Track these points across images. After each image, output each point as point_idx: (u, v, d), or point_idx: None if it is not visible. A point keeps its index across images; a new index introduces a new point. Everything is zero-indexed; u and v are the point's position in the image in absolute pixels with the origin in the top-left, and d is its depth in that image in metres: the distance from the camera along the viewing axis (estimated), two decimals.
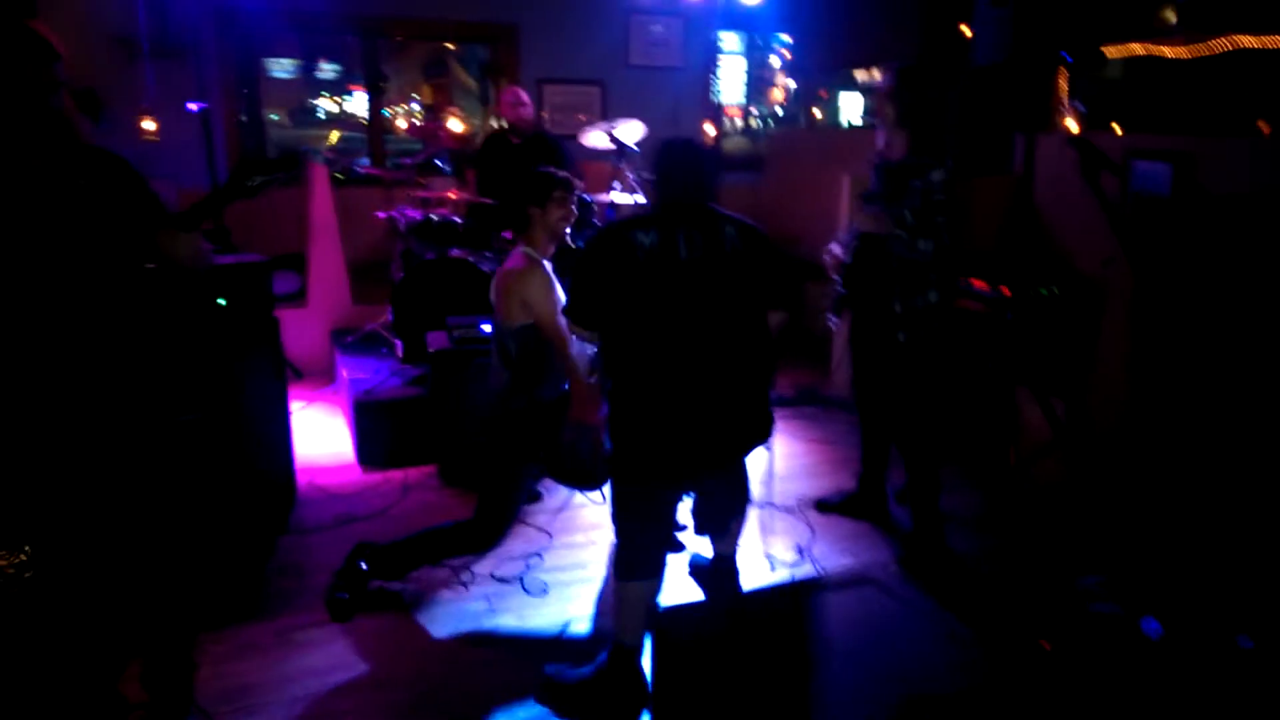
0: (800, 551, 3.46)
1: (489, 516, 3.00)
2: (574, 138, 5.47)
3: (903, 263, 3.23)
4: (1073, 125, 4.37)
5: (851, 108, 12.09)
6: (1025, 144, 3.54)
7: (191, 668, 2.50)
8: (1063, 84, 5.08)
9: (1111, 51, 4.43)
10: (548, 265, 3.03)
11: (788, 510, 3.82)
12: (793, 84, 12.45)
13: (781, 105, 12.70)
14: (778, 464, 4.33)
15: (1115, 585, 2.89)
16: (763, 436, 2.69)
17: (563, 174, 3.08)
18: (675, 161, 2.59)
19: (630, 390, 2.52)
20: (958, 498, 3.74)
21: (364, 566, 3.01)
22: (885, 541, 3.57)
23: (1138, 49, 4.50)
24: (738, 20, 7.96)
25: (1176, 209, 4.13)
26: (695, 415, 2.50)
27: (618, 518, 2.65)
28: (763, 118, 12.10)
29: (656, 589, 2.63)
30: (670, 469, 2.56)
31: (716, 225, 2.51)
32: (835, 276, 3.53)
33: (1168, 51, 4.50)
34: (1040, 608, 2.97)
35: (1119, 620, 2.64)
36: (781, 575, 3.29)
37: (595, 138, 5.26)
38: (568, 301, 2.63)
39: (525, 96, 5.36)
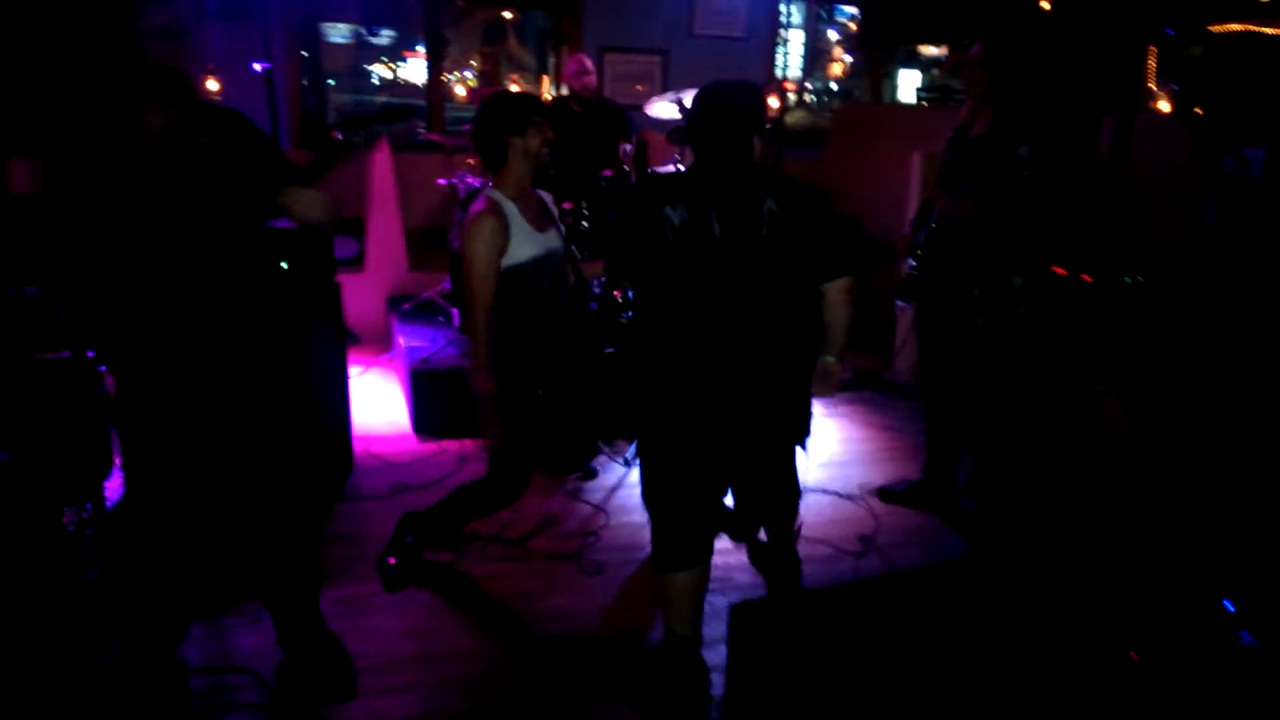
0: (864, 542, 3.36)
1: (498, 468, 2.90)
2: (639, 108, 5.35)
3: (985, 245, 3.08)
4: (1165, 106, 4.15)
5: (909, 85, 11.77)
6: (1116, 124, 3.37)
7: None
8: (1152, 63, 4.83)
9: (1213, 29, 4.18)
10: (511, 208, 2.74)
11: (849, 497, 3.71)
12: (849, 58, 12.14)
13: (839, 80, 12.39)
14: (837, 449, 4.23)
15: (1203, 593, 2.75)
16: (798, 434, 2.53)
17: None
18: (712, 113, 2.31)
19: (657, 366, 2.40)
20: (1029, 494, 3.60)
21: (410, 540, 2.98)
22: (953, 535, 3.45)
23: (1235, 27, 4.24)
24: None
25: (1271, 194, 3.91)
26: (721, 400, 2.36)
27: (647, 502, 2.54)
28: (817, 93, 11.82)
29: (700, 580, 2.47)
30: (692, 452, 2.41)
31: (755, 199, 2.26)
32: (908, 259, 3.39)
33: (1269, 30, 4.23)
34: (1123, 615, 2.84)
35: (1209, 630, 2.50)
36: (844, 565, 3.19)
37: (661, 108, 5.13)
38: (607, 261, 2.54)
39: (590, 64, 5.26)
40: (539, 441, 2.95)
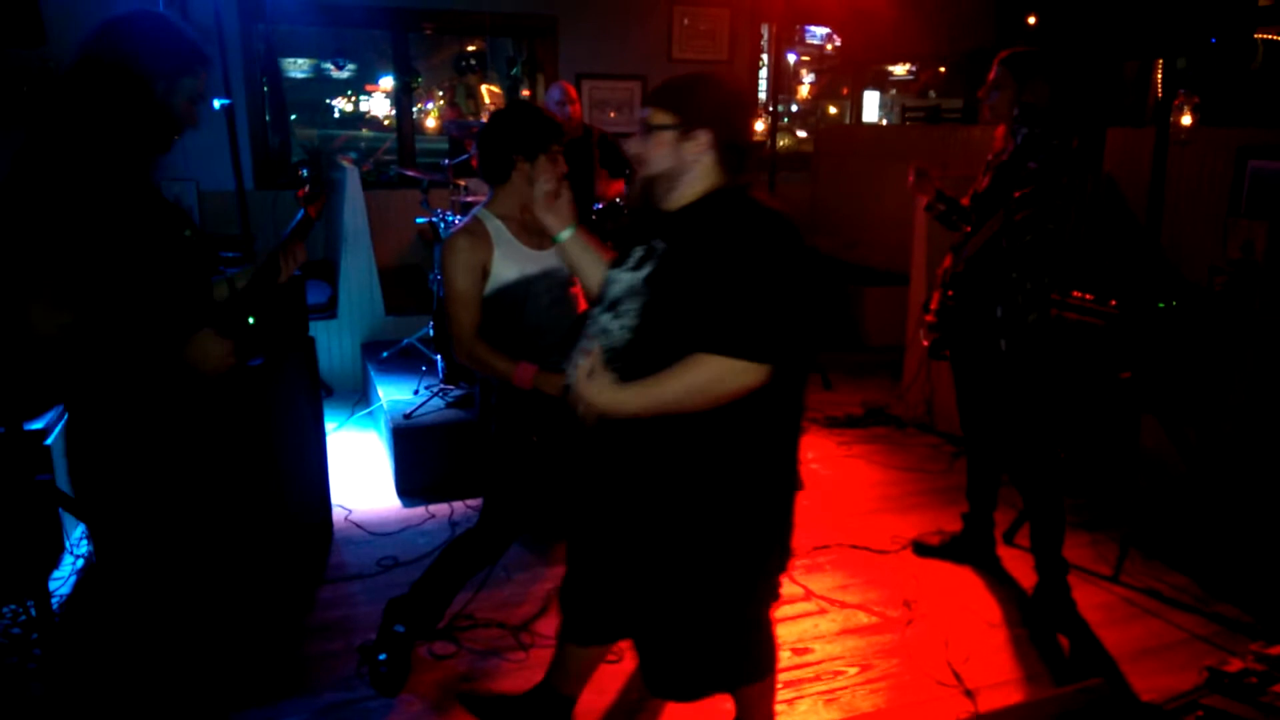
0: (908, 606, 3.04)
1: (489, 515, 2.56)
2: (630, 135, 5.07)
3: (1006, 264, 2.85)
4: (1186, 119, 3.94)
5: (871, 106, 11.72)
6: (1157, 139, 3.15)
7: None
8: (1159, 75, 4.64)
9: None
10: (497, 225, 2.46)
11: (883, 551, 3.40)
12: (810, 80, 12.10)
13: (803, 102, 12.33)
14: (862, 496, 3.92)
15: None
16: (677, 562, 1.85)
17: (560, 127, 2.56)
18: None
19: None
20: (1076, 538, 3.32)
21: (400, 629, 2.62)
22: (1000, 591, 3.14)
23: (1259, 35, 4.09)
24: (787, 12, 7.55)
25: None
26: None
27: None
28: (772, 115, 11.75)
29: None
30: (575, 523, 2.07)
31: (647, 235, 1.82)
32: (945, 291, 3.12)
33: None
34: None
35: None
36: (893, 635, 2.87)
37: None
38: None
39: (574, 93, 4.97)
40: (534, 489, 2.55)
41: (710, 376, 1.66)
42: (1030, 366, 2.90)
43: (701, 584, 1.85)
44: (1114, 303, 3.79)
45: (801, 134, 11.24)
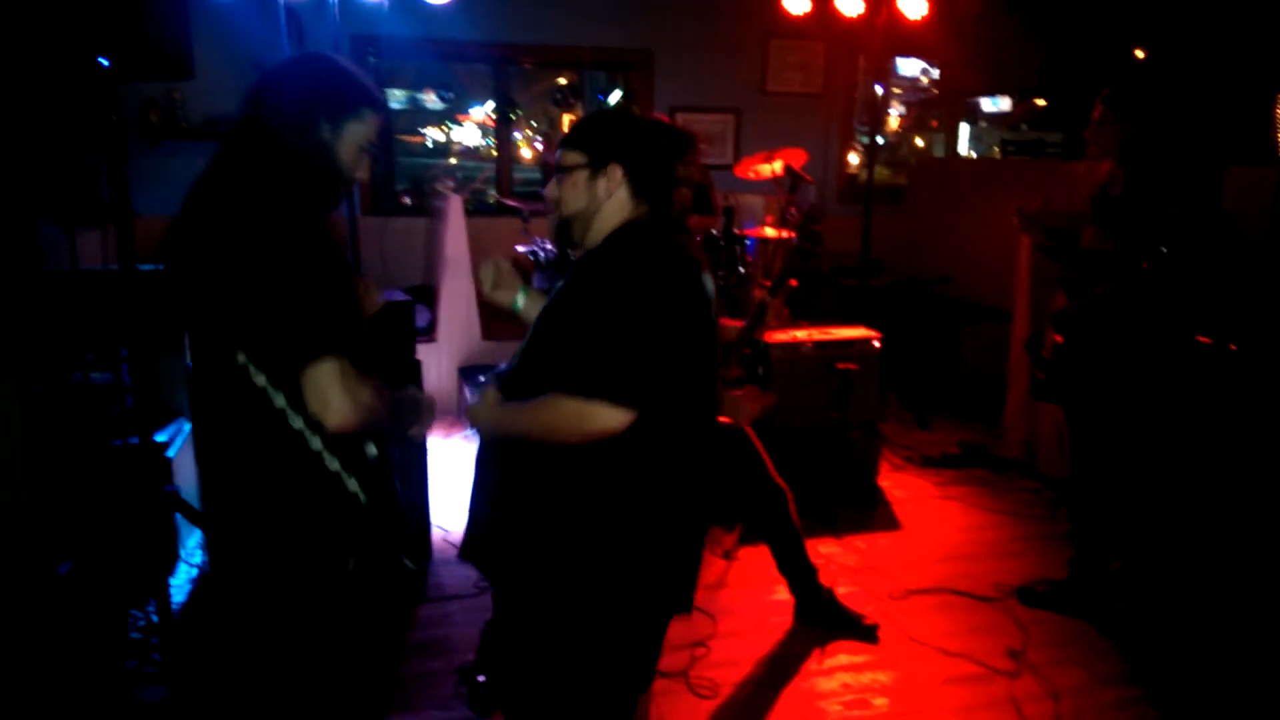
0: (1013, 656, 2.94)
1: None
2: (725, 168, 5.12)
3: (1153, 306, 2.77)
4: None
5: (961, 140, 11.55)
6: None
7: None
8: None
9: None
10: None
11: (986, 599, 3.30)
12: (901, 112, 11.98)
13: (895, 134, 12.20)
14: (960, 540, 3.82)
15: None
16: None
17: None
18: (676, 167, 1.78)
19: None
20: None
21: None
22: (1109, 643, 3.01)
23: None
24: (876, 44, 7.52)
25: None
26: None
27: None
28: (870, 149, 11.64)
29: None
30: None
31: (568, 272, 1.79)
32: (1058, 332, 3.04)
33: None
34: None
35: None
36: (998, 689, 2.77)
37: (752, 167, 4.88)
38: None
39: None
40: None
41: (561, 416, 1.60)
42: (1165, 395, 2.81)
43: (558, 637, 1.73)
44: (1234, 347, 3.63)
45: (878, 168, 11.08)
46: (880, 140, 11.63)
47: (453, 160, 10.47)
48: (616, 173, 1.72)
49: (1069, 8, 6.71)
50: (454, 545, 3.65)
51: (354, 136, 1.77)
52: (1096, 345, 2.86)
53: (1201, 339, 3.77)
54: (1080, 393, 3.03)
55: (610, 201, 1.74)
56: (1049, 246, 3.16)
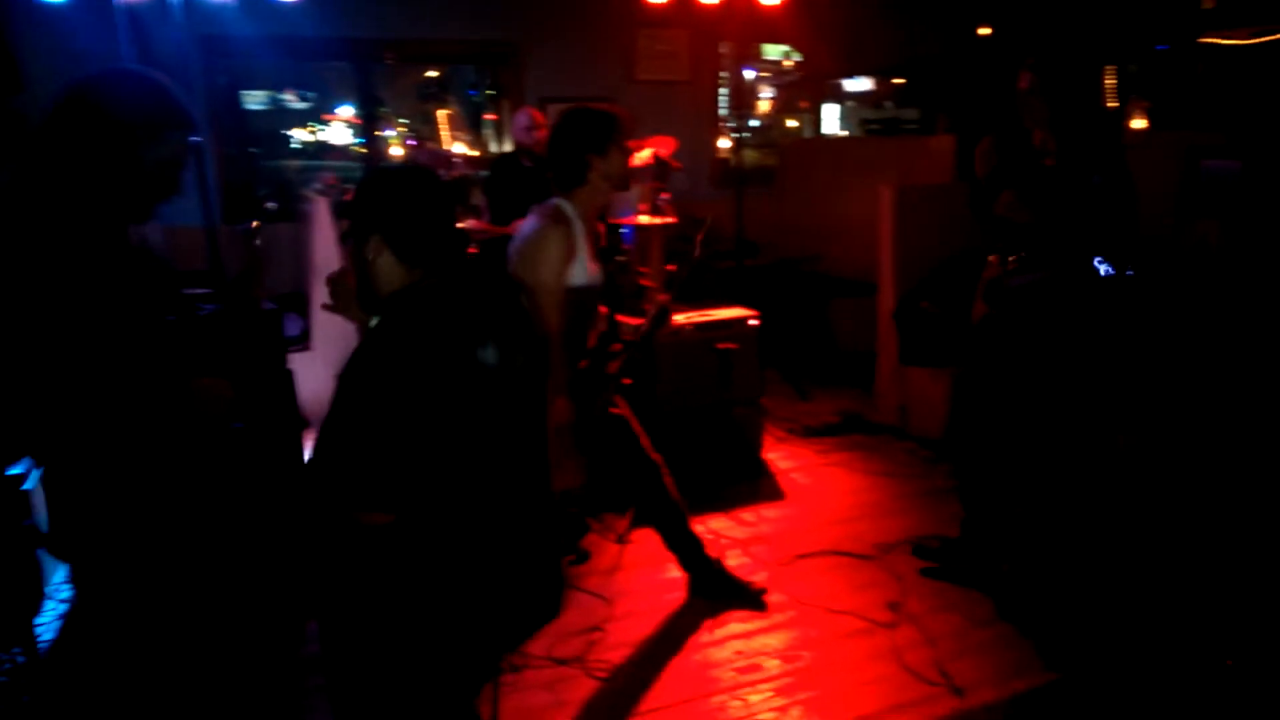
0: (893, 609, 3.10)
1: None
2: None
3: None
4: (1138, 123, 4.08)
5: (830, 119, 11.92)
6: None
7: None
8: (1110, 81, 4.79)
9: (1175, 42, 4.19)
10: (579, 227, 2.58)
11: (868, 558, 3.45)
12: (770, 96, 12.28)
13: (764, 118, 12.50)
14: (842, 504, 3.98)
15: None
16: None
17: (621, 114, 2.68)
18: (436, 206, 1.72)
19: None
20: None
21: None
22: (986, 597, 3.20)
23: (1199, 40, 4.24)
24: (747, 32, 7.69)
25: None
26: None
27: None
28: (740, 131, 11.89)
29: None
30: None
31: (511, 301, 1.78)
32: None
33: (1227, 42, 4.23)
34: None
35: None
36: (880, 640, 2.92)
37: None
38: None
39: (541, 118, 5.03)
40: None
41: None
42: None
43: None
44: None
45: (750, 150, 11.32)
46: (754, 124, 11.93)
47: (321, 162, 10.16)
48: (375, 240, 1.67)
49: None
50: None
51: (166, 148, 1.80)
52: (1033, 322, 2.94)
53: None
54: (998, 362, 3.11)
55: (381, 269, 1.67)
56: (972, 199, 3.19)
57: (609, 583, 3.33)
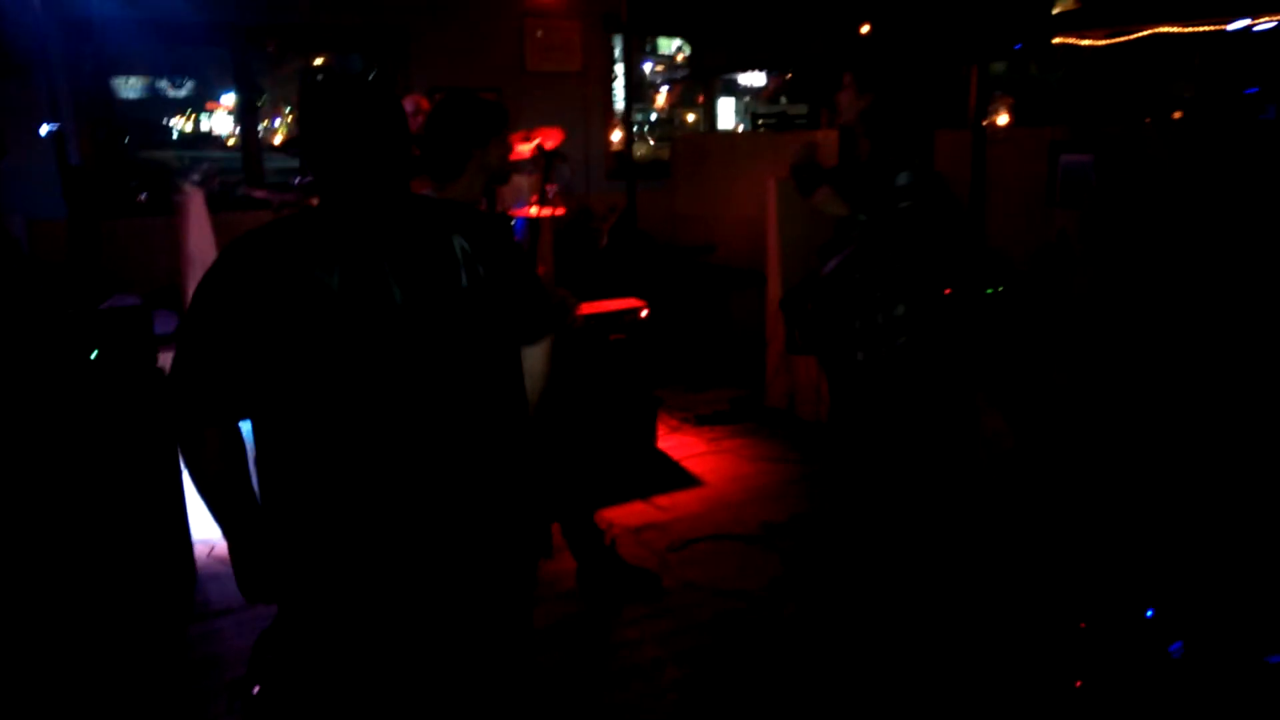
0: (778, 586, 3.19)
1: None
2: None
3: (862, 276, 3.00)
4: (1002, 119, 4.30)
5: (727, 113, 12.14)
6: (974, 138, 3.45)
7: None
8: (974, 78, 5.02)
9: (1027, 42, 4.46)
10: None
11: (755, 540, 3.55)
12: (666, 89, 12.42)
13: (660, 111, 12.62)
14: (729, 488, 4.07)
15: (1121, 603, 2.74)
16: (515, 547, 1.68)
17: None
18: (337, 120, 1.53)
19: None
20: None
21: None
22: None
23: (1054, 40, 4.50)
24: (628, 23, 7.73)
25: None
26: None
27: None
28: (639, 124, 11.97)
29: None
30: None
31: (443, 238, 1.56)
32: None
33: (1083, 42, 4.51)
34: (1049, 639, 2.79)
35: (1143, 642, 2.47)
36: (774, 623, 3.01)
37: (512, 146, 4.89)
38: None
39: (425, 104, 4.94)
40: None
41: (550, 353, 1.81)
42: (887, 379, 3.03)
43: None
44: (948, 291, 4.07)
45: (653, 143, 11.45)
46: (653, 117, 12.01)
47: (199, 152, 9.76)
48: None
49: None
50: (219, 560, 3.46)
51: None
52: (841, 311, 3.05)
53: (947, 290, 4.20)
54: (833, 351, 3.24)
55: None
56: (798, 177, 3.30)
57: None
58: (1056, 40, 4.50)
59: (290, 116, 10.44)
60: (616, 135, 7.55)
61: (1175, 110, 5.03)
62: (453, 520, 1.56)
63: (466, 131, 2.54)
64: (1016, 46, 3.21)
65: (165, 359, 4.17)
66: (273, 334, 1.45)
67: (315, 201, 4.59)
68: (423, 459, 1.53)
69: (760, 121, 8.40)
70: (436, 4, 6.53)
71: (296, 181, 4.78)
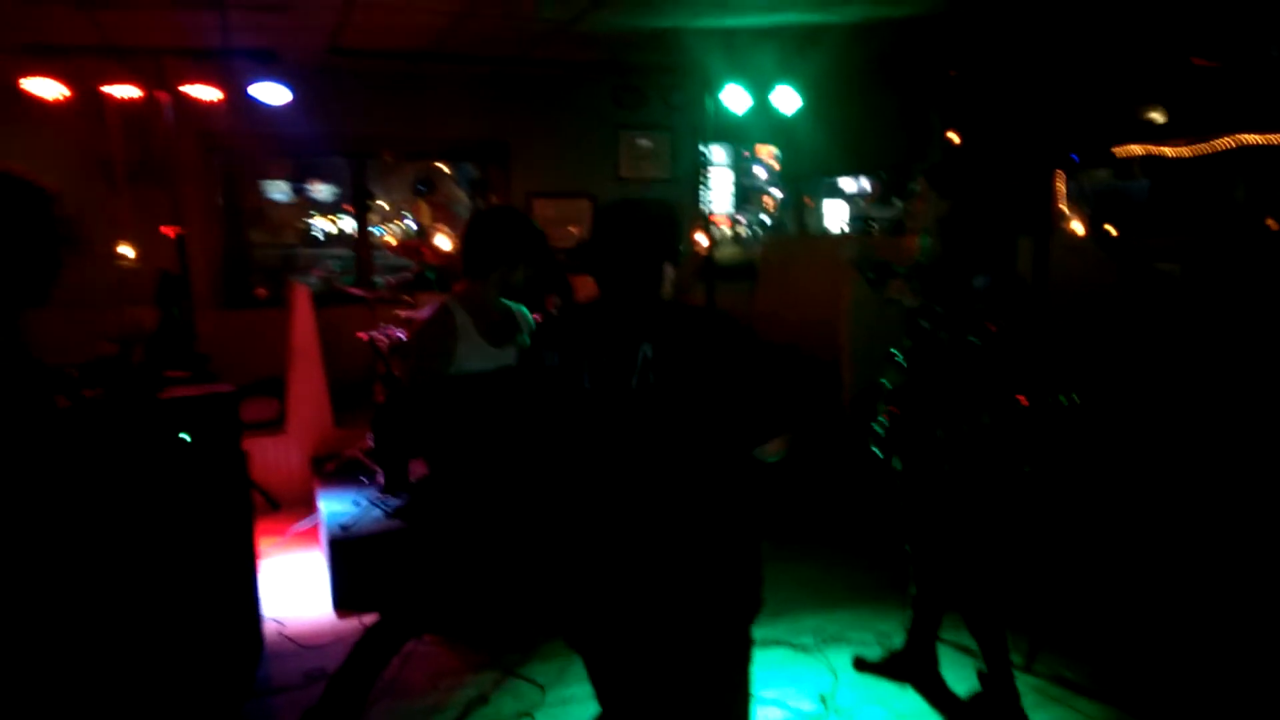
0: (823, 700, 3.09)
1: (398, 606, 2.79)
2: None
3: (947, 383, 2.92)
4: (1079, 227, 4.23)
5: (833, 215, 12.23)
6: (1035, 246, 3.41)
7: None
8: (1060, 186, 4.98)
9: (1117, 152, 4.38)
10: (464, 319, 2.69)
11: (803, 649, 3.45)
12: (778, 193, 12.62)
13: (770, 213, 12.82)
14: (781, 590, 3.98)
15: None
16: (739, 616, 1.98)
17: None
18: (607, 235, 1.95)
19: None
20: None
21: None
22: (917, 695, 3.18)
23: (1137, 150, 4.43)
24: (724, 133, 8.00)
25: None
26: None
27: None
28: (751, 226, 12.18)
29: None
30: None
31: (631, 342, 1.82)
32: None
33: (1169, 151, 4.43)
34: None
35: None
36: None
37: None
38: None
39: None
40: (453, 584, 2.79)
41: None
42: (975, 490, 2.94)
43: None
44: (1023, 400, 3.95)
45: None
46: (762, 219, 12.20)
47: (325, 251, 10.49)
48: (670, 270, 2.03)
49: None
50: (288, 639, 3.61)
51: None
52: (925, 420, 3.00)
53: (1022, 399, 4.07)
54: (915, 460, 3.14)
55: None
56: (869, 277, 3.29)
57: (545, 668, 3.34)
58: (1139, 150, 4.44)
59: (404, 220, 11.07)
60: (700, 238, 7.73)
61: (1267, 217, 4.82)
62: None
63: (499, 248, 2.73)
64: (1074, 157, 3.20)
65: (264, 444, 4.42)
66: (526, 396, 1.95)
67: (408, 298, 4.92)
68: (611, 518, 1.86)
69: (872, 224, 8.45)
70: (536, 118, 6.97)
71: (379, 281, 5.11)
